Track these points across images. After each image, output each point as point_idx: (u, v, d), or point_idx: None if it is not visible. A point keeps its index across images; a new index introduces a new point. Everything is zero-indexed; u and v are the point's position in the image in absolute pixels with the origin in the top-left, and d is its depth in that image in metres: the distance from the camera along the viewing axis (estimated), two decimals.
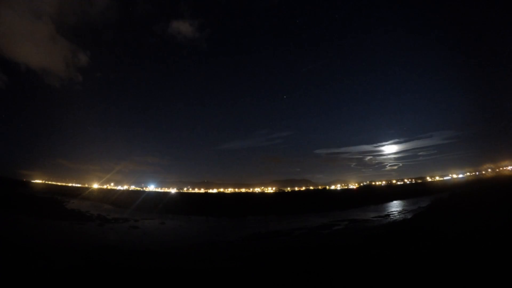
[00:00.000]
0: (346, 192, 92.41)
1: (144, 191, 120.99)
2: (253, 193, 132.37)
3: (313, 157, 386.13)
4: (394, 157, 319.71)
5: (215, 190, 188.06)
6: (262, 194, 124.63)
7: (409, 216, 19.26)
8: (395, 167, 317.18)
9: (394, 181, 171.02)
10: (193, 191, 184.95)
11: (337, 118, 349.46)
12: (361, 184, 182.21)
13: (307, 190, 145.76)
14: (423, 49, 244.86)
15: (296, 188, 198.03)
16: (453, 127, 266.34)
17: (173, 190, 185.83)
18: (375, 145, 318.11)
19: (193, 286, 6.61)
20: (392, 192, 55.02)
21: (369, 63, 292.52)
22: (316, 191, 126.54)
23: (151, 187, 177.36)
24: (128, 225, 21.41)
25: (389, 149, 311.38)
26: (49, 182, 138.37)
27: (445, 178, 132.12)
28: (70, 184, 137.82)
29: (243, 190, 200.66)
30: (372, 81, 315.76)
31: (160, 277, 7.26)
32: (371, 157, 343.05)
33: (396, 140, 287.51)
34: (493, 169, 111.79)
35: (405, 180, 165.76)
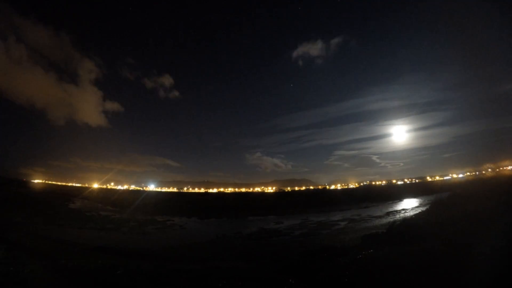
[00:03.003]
0: (346, 191, 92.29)
1: (144, 191, 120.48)
2: (253, 193, 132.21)
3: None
4: (395, 157, 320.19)
5: (215, 190, 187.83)
6: (262, 194, 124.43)
7: (409, 215, 19.32)
8: (396, 167, 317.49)
9: (394, 181, 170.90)
10: (193, 191, 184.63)
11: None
12: (361, 184, 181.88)
13: (307, 190, 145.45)
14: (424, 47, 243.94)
15: (296, 188, 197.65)
16: (453, 127, 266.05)
17: (173, 190, 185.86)
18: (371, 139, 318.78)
19: (192, 287, 6.64)
20: (392, 192, 54.97)
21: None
22: (316, 190, 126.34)
23: (151, 187, 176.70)
24: (128, 225, 21.49)
25: (389, 148, 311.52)
26: (49, 182, 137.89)
27: (445, 178, 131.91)
28: (70, 184, 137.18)
29: (243, 190, 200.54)
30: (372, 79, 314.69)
31: (159, 277, 7.29)
32: (373, 154, 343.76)
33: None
34: (493, 169, 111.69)
35: (405, 180, 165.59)
